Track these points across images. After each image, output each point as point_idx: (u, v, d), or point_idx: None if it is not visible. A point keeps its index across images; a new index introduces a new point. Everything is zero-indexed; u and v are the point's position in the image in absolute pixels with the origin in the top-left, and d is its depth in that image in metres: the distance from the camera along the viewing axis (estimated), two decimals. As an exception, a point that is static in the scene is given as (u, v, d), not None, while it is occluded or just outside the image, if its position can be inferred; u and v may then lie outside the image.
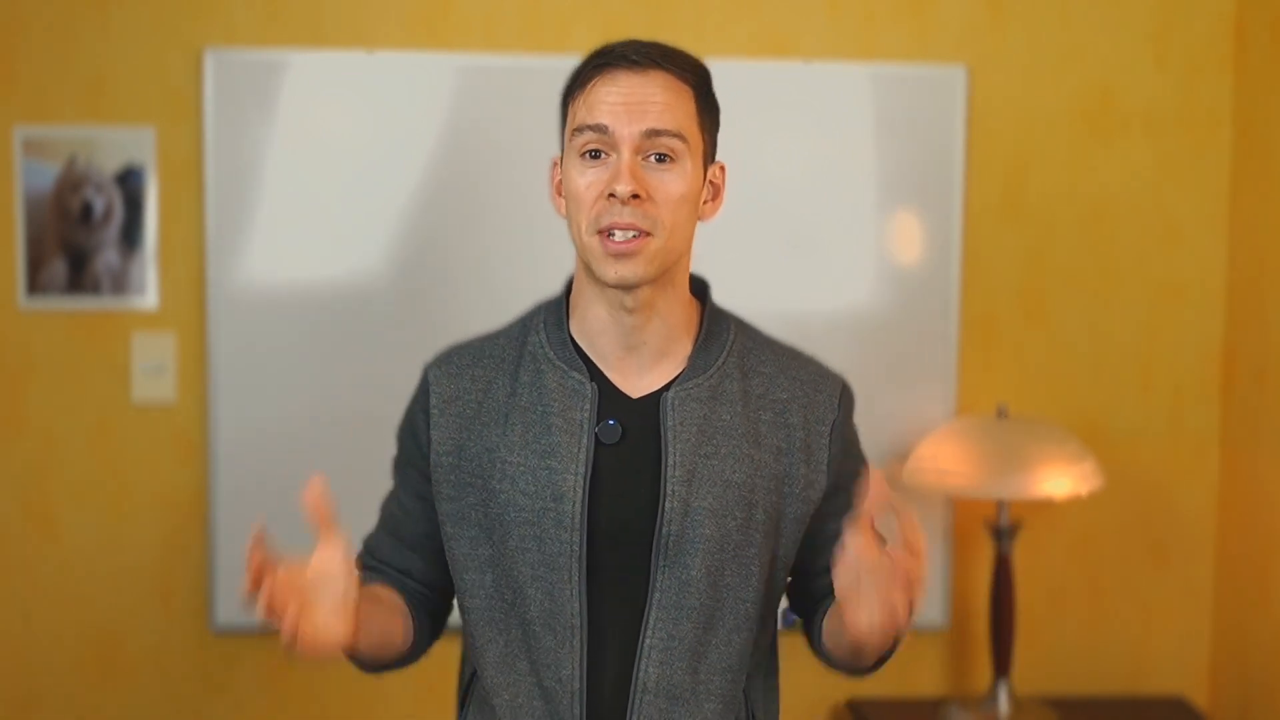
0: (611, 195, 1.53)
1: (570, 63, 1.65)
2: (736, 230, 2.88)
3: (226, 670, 2.95)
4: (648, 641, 1.59)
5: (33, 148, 2.83)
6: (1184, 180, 3.02)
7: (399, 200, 2.85)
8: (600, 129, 1.54)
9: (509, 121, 2.83)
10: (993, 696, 2.85)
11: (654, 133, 1.54)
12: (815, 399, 1.66)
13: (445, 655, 2.96)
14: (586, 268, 1.59)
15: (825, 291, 2.92)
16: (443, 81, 2.85)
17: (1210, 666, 3.09)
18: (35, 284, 2.85)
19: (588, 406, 1.60)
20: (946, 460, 2.75)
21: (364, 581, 1.68)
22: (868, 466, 1.74)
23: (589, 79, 1.57)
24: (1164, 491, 3.06)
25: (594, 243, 1.55)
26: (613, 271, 1.54)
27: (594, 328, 1.63)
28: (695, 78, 1.60)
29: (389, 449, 2.98)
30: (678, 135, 1.55)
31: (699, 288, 1.71)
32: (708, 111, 1.62)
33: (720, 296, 1.87)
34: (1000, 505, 2.85)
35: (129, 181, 2.85)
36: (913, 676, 3.06)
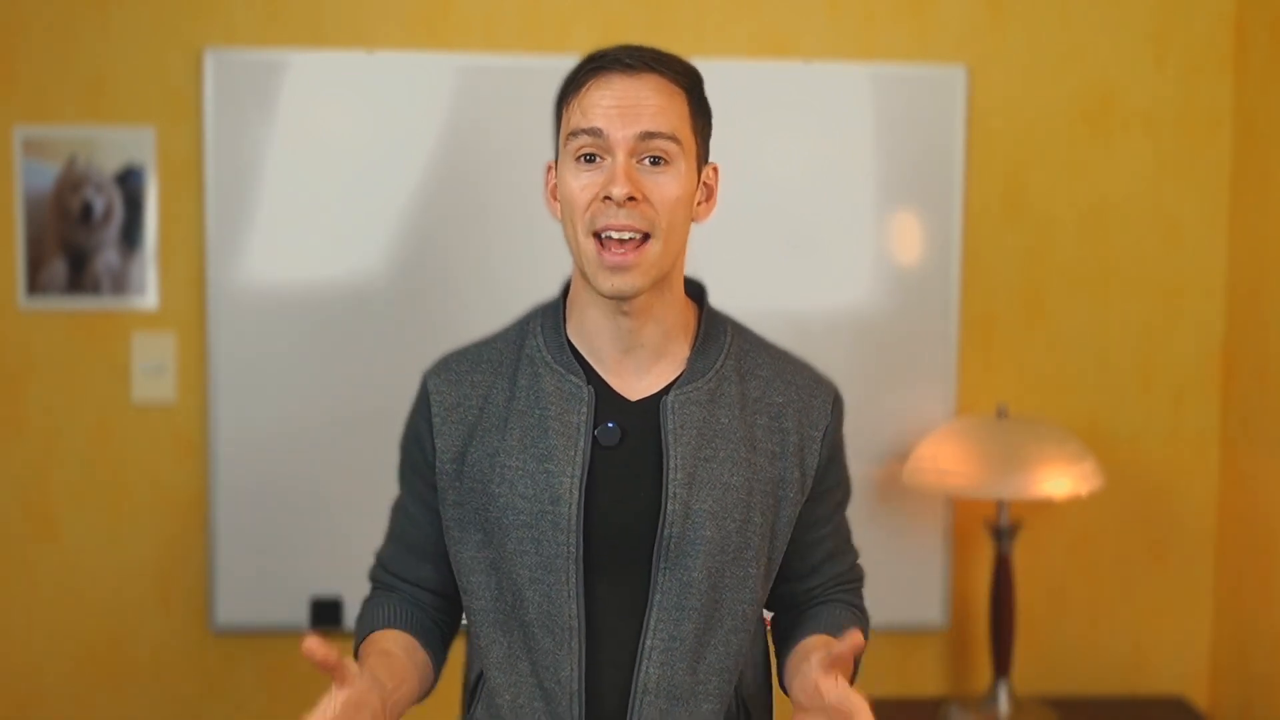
0: (607, 198, 1.54)
1: (570, 63, 1.65)
2: (737, 230, 2.89)
3: (226, 670, 2.95)
4: (649, 643, 1.59)
5: (33, 148, 2.83)
6: (1184, 180, 3.02)
7: (399, 200, 2.85)
8: (595, 132, 1.55)
9: (509, 121, 2.83)
10: (993, 696, 2.85)
11: (648, 135, 1.55)
12: (810, 404, 1.68)
13: (448, 655, 2.96)
14: (582, 272, 1.60)
15: (825, 291, 2.92)
16: (443, 81, 2.85)
17: (1210, 666, 3.09)
18: (35, 284, 2.85)
19: (585, 410, 1.61)
20: (946, 460, 2.75)
21: (376, 606, 1.70)
22: (848, 478, 1.78)
23: (583, 83, 1.58)
24: (1164, 491, 3.06)
25: (590, 247, 1.56)
26: (609, 284, 1.55)
27: (591, 330, 1.64)
28: (688, 81, 1.61)
29: (389, 448, 2.99)
30: (671, 138, 1.56)
31: (695, 290, 1.72)
32: (700, 114, 1.62)
33: (721, 297, 1.88)
34: (1000, 505, 2.85)
35: (129, 181, 2.85)
36: (913, 676, 3.07)
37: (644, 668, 1.59)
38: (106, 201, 2.84)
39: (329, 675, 1.44)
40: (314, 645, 1.38)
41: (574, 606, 1.59)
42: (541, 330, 1.67)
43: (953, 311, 2.94)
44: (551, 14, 2.89)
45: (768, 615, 1.79)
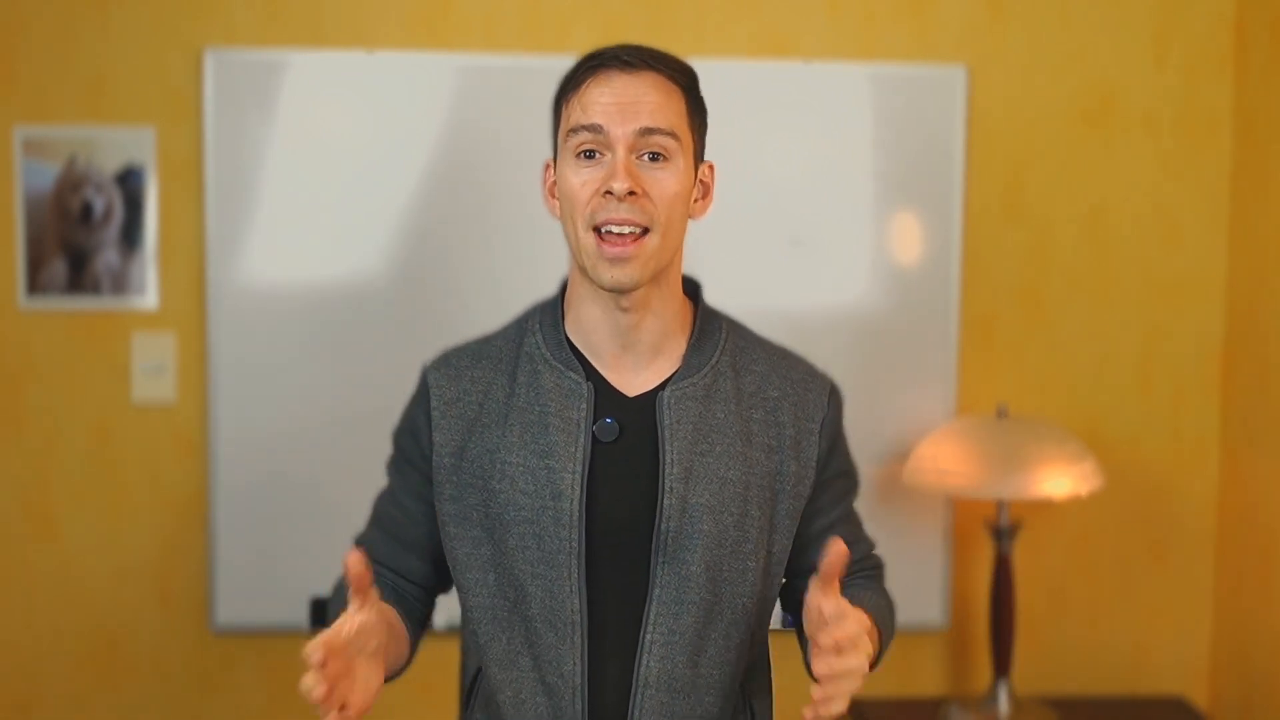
0: (608, 193, 1.55)
1: (570, 63, 1.65)
2: (737, 230, 2.89)
3: (226, 670, 2.95)
4: (649, 636, 1.60)
5: (33, 148, 2.83)
6: (1184, 180, 3.02)
7: (399, 200, 2.85)
8: (595, 129, 1.56)
9: (509, 121, 2.83)
10: (993, 696, 2.85)
11: (648, 131, 1.57)
12: (805, 397, 1.69)
13: (444, 656, 2.97)
14: (581, 268, 1.61)
15: (825, 291, 2.92)
16: (443, 81, 2.85)
17: (1210, 666, 3.09)
18: (35, 284, 2.85)
19: (584, 406, 1.62)
20: (946, 460, 2.75)
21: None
22: (853, 468, 1.78)
23: (582, 81, 1.59)
24: (1164, 491, 3.06)
25: (590, 241, 1.57)
26: (609, 276, 1.57)
27: (589, 327, 1.65)
28: (685, 79, 1.63)
29: (389, 448, 2.98)
30: (670, 133, 1.58)
31: (691, 288, 1.74)
32: (697, 112, 1.64)
33: (721, 296, 1.88)
34: (1000, 505, 2.85)
35: (129, 181, 2.85)
36: (913, 676, 3.07)
37: (644, 661, 1.60)
38: (106, 201, 2.84)
39: (357, 592, 1.44)
40: (356, 560, 1.41)
41: (576, 601, 1.60)
42: (540, 327, 1.68)
43: (953, 311, 2.94)
44: (551, 14, 2.89)
45: (789, 621, 1.79)
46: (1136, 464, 3.05)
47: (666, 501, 1.59)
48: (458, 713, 1.81)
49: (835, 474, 1.73)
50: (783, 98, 2.89)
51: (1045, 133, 2.98)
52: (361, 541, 1.76)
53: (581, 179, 1.58)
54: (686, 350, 1.66)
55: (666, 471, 1.60)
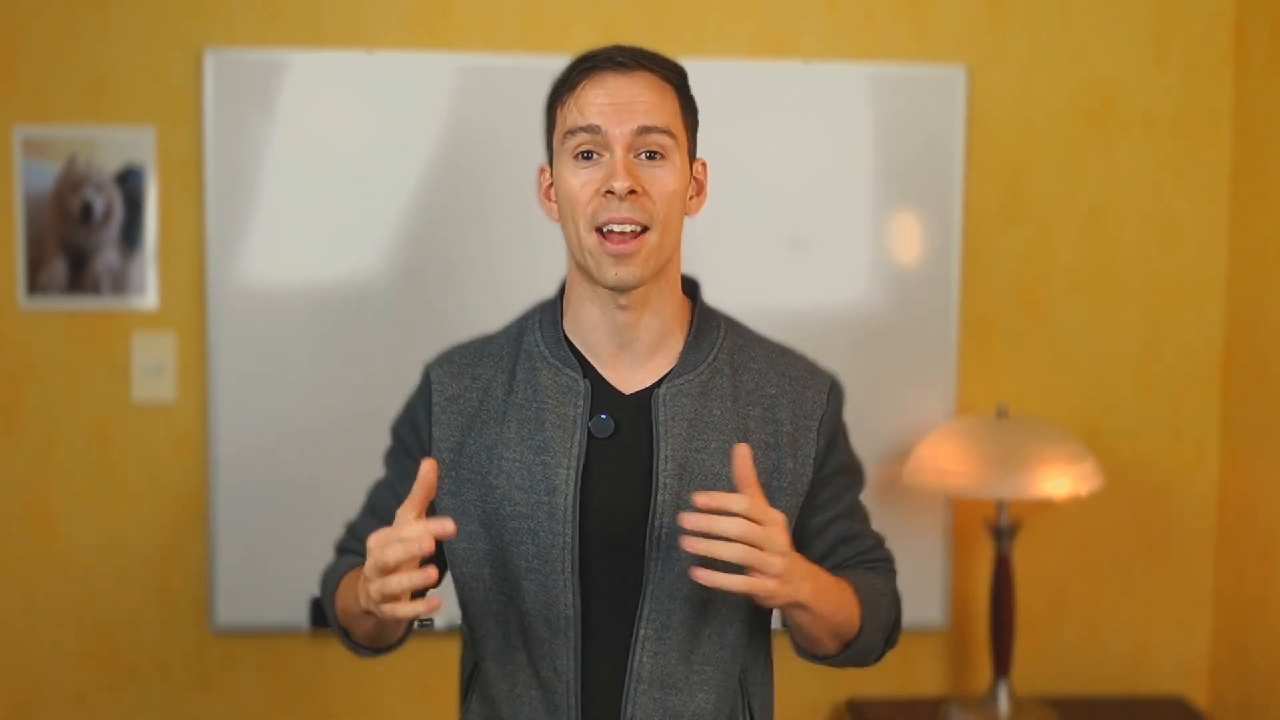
0: (609, 192, 1.57)
1: (569, 63, 1.66)
2: (737, 230, 2.89)
3: (226, 670, 2.95)
4: (642, 632, 1.61)
5: (33, 148, 2.83)
6: (1184, 180, 3.02)
7: (399, 200, 2.85)
8: (593, 130, 1.58)
9: (509, 121, 2.83)
10: (993, 696, 2.85)
11: (645, 130, 1.58)
12: (804, 394, 1.69)
13: (443, 655, 2.97)
14: (582, 268, 1.63)
15: (825, 291, 2.92)
16: (443, 81, 2.85)
17: (1210, 666, 3.09)
18: (35, 284, 2.85)
19: (581, 402, 1.64)
20: (946, 460, 2.75)
21: (347, 565, 1.73)
22: (854, 464, 1.77)
23: (576, 83, 1.61)
24: (1164, 491, 3.06)
25: (593, 241, 1.59)
26: (613, 274, 1.59)
27: (587, 326, 1.67)
28: (676, 77, 1.65)
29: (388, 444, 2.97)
30: (666, 131, 1.60)
31: (690, 287, 1.75)
32: (689, 110, 1.67)
33: (722, 296, 1.88)
34: (1000, 505, 2.84)
35: (129, 181, 2.85)
36: (913, 676, 3.06)
37: (637, 657, 1.61)
38: (106, 201, 2.84)
39: (420, 493, 1.48)
40: (431, 467, 1.48)
41: (570, 596, 1.60)
42: (539, 326, 1.70)
43: (953, 311, 2.94)
44: (551, 14, 2.89)
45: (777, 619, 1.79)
46: (1136, 464, 3.05)
47: (660, 497, 1.60)
48: (458, 709, 1.82)
49: (834, 470, 1.72)
50: (783, 98, 2.89)
51: (1045, 133, 2.98)
52: (354, 528, 1.79)
53: (581, 180, 1.59)
54: (684, 348, 1.67)
55: (660, 467, 1.61)
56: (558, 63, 1.68)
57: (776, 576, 1.47)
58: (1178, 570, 3.08)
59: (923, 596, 2.99)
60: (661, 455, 1.61)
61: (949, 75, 2.92)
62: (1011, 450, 2.72)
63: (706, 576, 1.46)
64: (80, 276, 2.85)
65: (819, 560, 1.69)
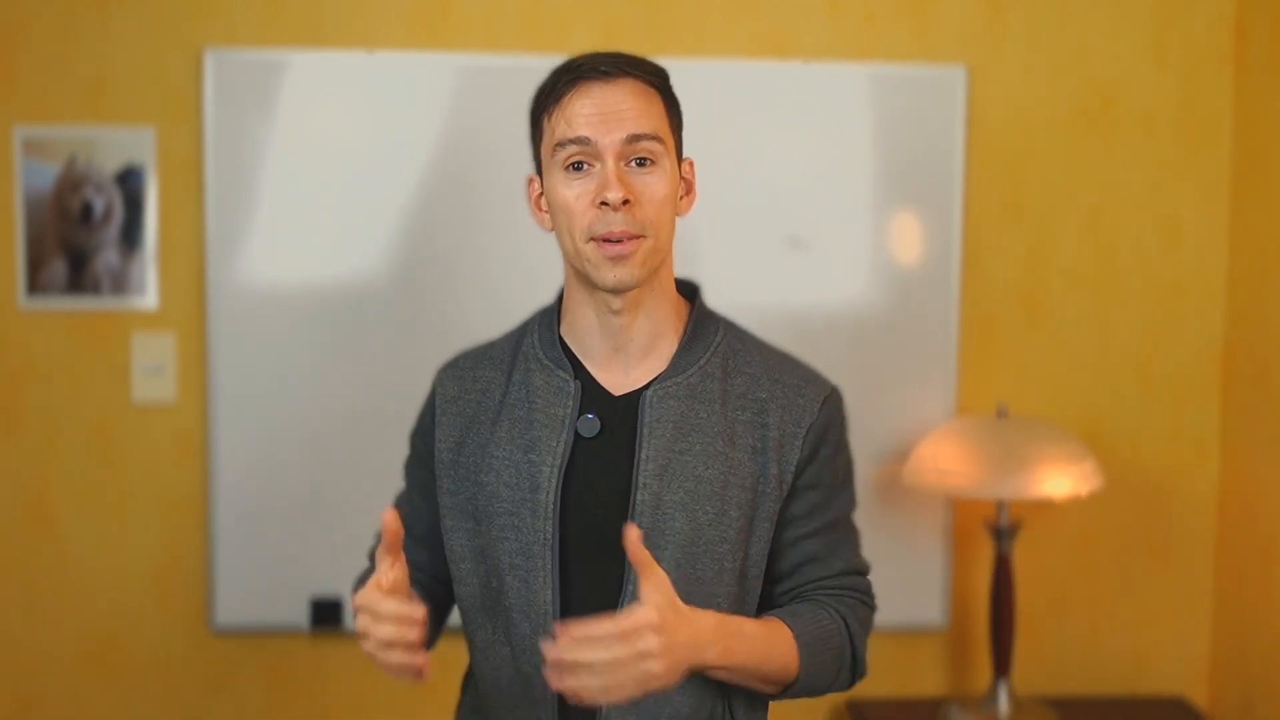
0: (603, 203, 1.58)
1: (567, 64, 1.66)
2: (737, 230, 2.89)
3: (226, 670, 2.95)
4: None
5: (33, 148, 2.83)
6: (1184, 180, 3.02)
7: (399, 200, 2.85)
8: (582, 141, 1.59)
9: (509, 121, 2.82)
10: (993, 696, 2.85)
11: (634, 138, 1.60)
12: (796, 401, 1.68)
13: (443, 655, 2.97)
14: (579, 274, 1.65)
15: (826, 292, 2.92)
16: (443, 81, 2.85)
17: (1210, 666, 3.09)
18: (35, 284, 2.85)
19: (570, 403, 1.66)
20: (946, 460, 2.75)
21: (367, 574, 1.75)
22: (839, 481, 1.71)
23: (561, 94, 1.62)
24: (1164, 491, 3.06)
25: (590, 249, 1.60)
26: (612, 276, 1.60)
27: (583, 329, 1.69)
28: (659, 79, 1.66)
29: (389, 448, 2.99)
30: (655, 137, 1.61)
31: (690, 290, 1.76)
32: (674, 112, 1.68)
33: (722, 297, 1.88)
34: (1000, 505, 2.85)
35: (129, 181, 2.85)
36: (913, 676, 3.07)
37: None
38: (106, 201, 2.84)
39: (389, 551, 1.52)
40: (392, 517, 1.50)
41: (549, 592, 1.62)
42: (537, 330, 1.74)
43: (953, 311, 2.94)
44: (551, 14, 2.89)
45: None
46: (1136, 464, 3.05)
47: (639, 497, 1.61)
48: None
49: (812, 483, 1.68)
50: (783, 98, 2.89)
51: (1045, 133, 2.98)
52: (379, 535, 1.79)
53: (574, 192, 1.61)
54: (676, 351, 1.68)
55: (641, 468, 1.62)
56: (557, 63, 1.68)
57: (656, 676, 1.46)
58: (1178, 570, 3.08)
59: (923, 596, 2.99)
60: (643, 456, 1.62)
61: (949, 75, 2.92)
62: (1011, 450, 2.72)
63: (596, 697, 1.46)
64: (80, 276, 2.85)
65: (780, 579, 1.69)
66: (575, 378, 1.67)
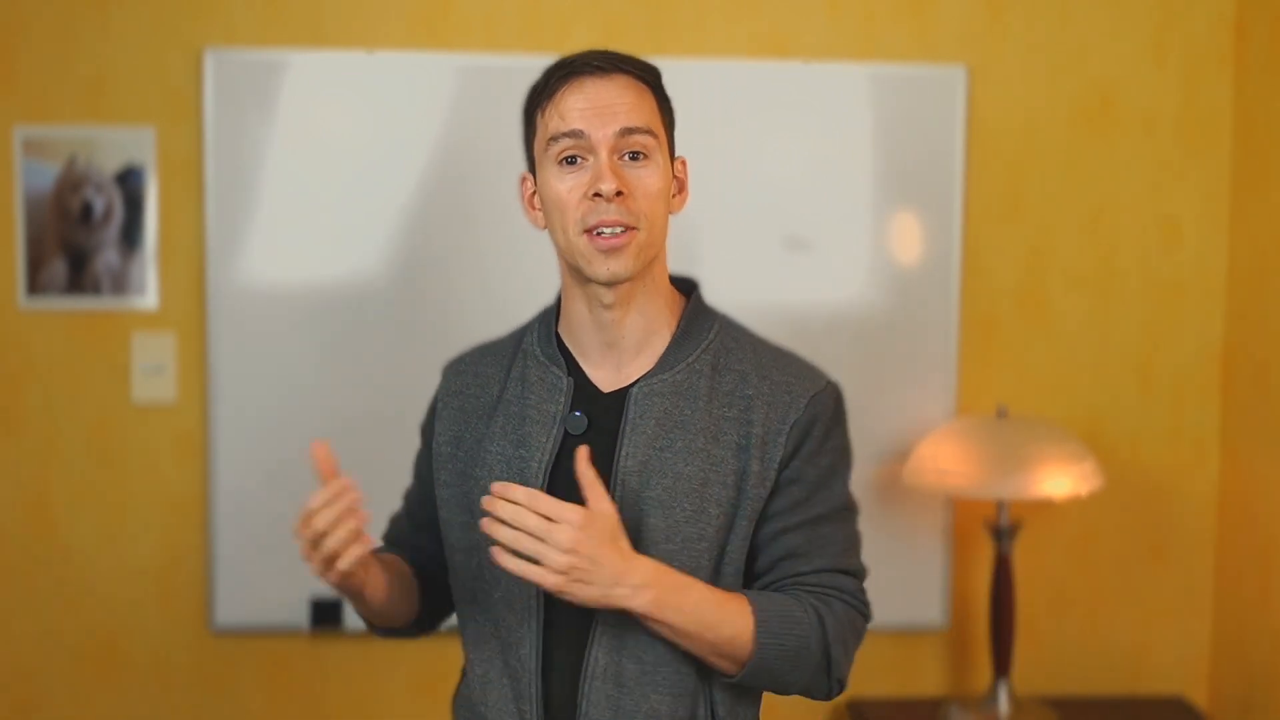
0: (597, 195, 1.59)
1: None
2: (737, 230, 2.89)
3: (226, 670, 2.95)
4: (598, 628, 1.63)
5: (33, 148, 2.83)
6: (1184, 180, 3.02)
7: (399, 200, 2.85)
8: (576, 134, 1.61)
9: (509, 121, 2.81)
10: (993, 696, 2.85)
11: (627, 131, 1.61)
12: (782, 398, 1.66)
13: (444, 655, 2.97)
14: (573, 269, 1.66)
15: (826, 292, 2.92)
16: (443, 81, 2.85)
17: (1210, 666, 3.09)
18: (35, 284, 2.85)
19: (561, 399, 1.68)
20: (946, 460, 2.75)
21: (379, 552, 1.81)
22: (825, 478, 1.67)
23: (554, 90, 1.64)
24: (1164, 491, 3.06)
25: (583, 242, 1.61)
26: (605, 268, 1.61)
27: (577, 327, 1.70)
28: (652, 77, 1.67)
29: (389, 447, 2.99)
30: (648, 131, 1.62)
31: (687, 287, 1.76)
32: (666, 109, 1.69)
33: (722, 296, 1.88)
34: (1000, 505, 2.85)
35: (129, 181, 2.85)
36: (913, 676, 3.07)
37: (593, 652, 1.63)
38: (106, 201, 2.84)
39: (325, 477, 1.63)
40: (320, 448, 1.61)
41: (533, 587, 1.63)
42: (537, 327, 1.76)
43: (953, 311, 2.94)
44: (551, 14, 2.89)
45: None
46: (1136, 464, 3.05)
47: (618, 494, 1.62)
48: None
49: (795, 478, 1.65)
50: (783, 98, 2.89)
51: (1045, 133, 2.98)
52: (391, 520, 1.89)
53: (567, 185, 1.62)
54: (666, 348, 1.68)
55: (621, 464, 1.63)
56: (557, 63, 1.69)
57: (559, 573, 1.51)
58: (1178, 570, 3.08)
59: (923, 596, 2.99)
60: (623, 452, 1.63)
61: (949, 75, 2.92)
62: (1011, 450, 2.72)
63: (498, 556, 1.53)
64: (80, 276, 2.85)
65: (760, 575, 1.67)
66: (568, 374, 1.69)
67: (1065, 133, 2.99)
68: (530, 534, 1.52)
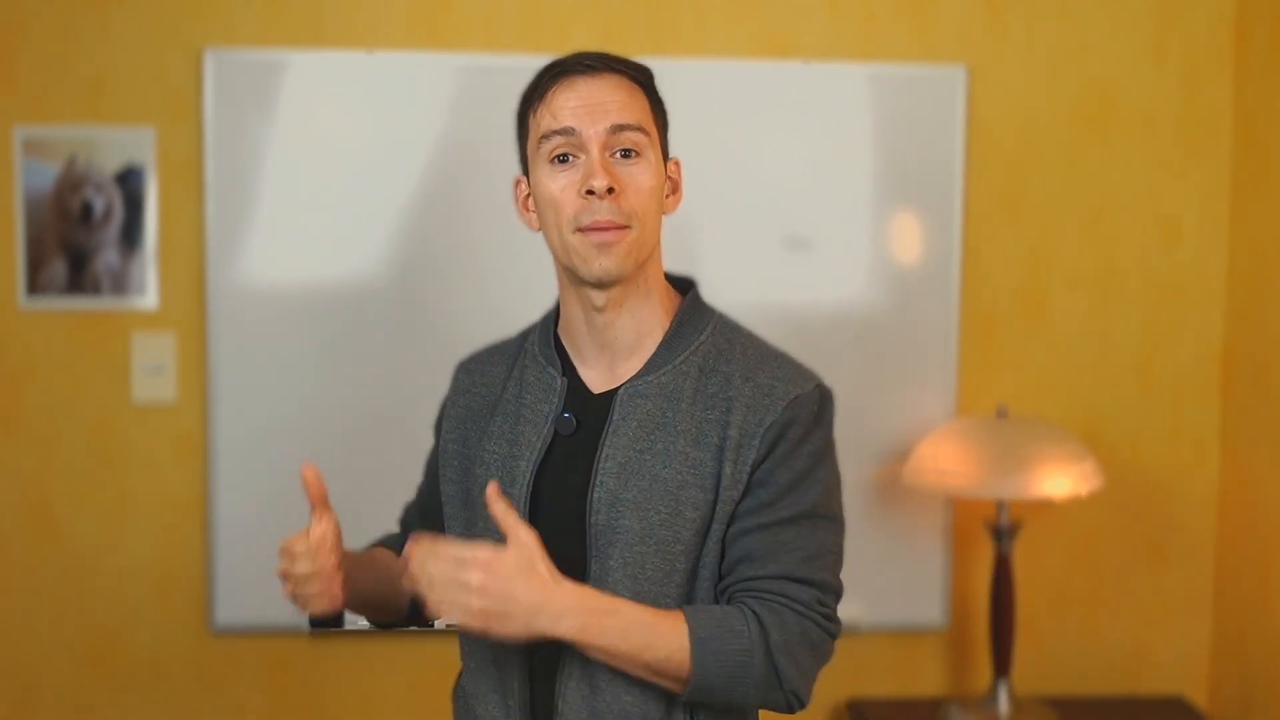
0: (589, 192, 1.60)
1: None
2: (737, 230, 2.89)
3: (226, 670, 2.95)
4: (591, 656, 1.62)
5: (33, 148, 2.83)
6: (1184, 180, 3.02)
7: (399, 200, 2.85)
8: (567, 132, 1.61)
9: (509, 121, 2.82)
10: (993, 696, 2.85)
11: (618, 128, 1.61)
12: (762, 401, 1.63)
13: (444, 655, 2.97)
14: (567, 270, 1.67)
15: (826, 292, 2.92)
16: (443, 81, 2.85)
17: (1210, 666, 3.09)
18: (35, 284, 2.85)
19: (555, 399, 1.69)
20: (946, 460, 2.75)
21: (384, 537, 1.90)
22: (795, 484, 1.62)
23: (546, 89, 1.65)
24: (1164, 491, 3.06)
25: (576, 240, 1.62)
26: (597, 265, 1.61)
27: (572, 327, 1.71)
28: (643, 77, 1.68)
29: (389, 447, 3.00)
30: (639, 129, 1.63)
31: (685, 287, 1.76)
32: (659, 109, 1.69)
33: (722, 296, 1.88)
34: (1000, 505, 2.85)
35: (129, 181, 2.85)
36: (913, 676, 3.07)
37: (568, 652, 1.63)
38: (106, 201, 2.84)
39: (316, 503, 1.69)
40: (310, 470, 1.65)
41: None
42: (539, 328, 1.77)
43: (953, 311, 2.94)
44: (551, 14, 2.89)
45: None
46: (1136, 464, 3.05)
47: (596, 495, 1.62)
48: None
49: (764, 480, 1.62)
50: (783, 98, 2.89)
51: (1045, 133, 2.98)
52: (405, 507, 1.93)
53: (559, 184, 1.62)
54: (655, 349, 1.68)
55: (600, 465, 1.63)
56: (557, 63, 1.69)
57: (475, 614, 1.52)
58: (1178, 570, 3.08)
59: (923, 596, 2.99)
60: (604, 454, 1.63)
61: (949, 75, 2.92)
62: (1011, 450, 2.72)
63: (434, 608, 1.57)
64: (80, 276, 2.85)
65: (721, 578, 1.64)
66: (563, 375, 1.70)
67: (1065, 133, 2.99)
68: (444, 583, 1.53)
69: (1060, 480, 2.70)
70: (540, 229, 1.68)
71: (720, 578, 1.65)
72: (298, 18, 2.85)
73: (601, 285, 1.63)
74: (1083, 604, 3.08)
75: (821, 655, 1.63)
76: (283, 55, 2.82)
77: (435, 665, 2.94)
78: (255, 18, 2.85)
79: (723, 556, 1.64)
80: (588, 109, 1.61)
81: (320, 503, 1.67)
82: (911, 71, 2.92)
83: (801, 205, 2.90)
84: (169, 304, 2.87)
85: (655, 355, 1.68)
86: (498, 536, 1.64)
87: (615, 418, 1.65)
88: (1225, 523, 3.04)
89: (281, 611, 2.89)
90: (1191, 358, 3.04)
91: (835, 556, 1.66)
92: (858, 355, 2.92)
